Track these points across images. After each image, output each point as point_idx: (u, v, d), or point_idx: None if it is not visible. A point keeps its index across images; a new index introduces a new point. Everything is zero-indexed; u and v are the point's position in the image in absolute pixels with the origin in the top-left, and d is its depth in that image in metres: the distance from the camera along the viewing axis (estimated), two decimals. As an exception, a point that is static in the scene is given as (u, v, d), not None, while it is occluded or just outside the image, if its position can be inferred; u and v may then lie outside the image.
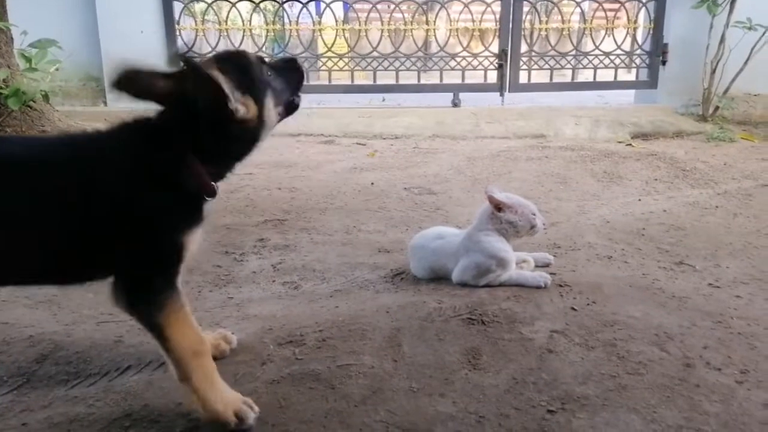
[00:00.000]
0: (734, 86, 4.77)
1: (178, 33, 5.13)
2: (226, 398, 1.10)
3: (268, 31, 5.34)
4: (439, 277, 1.79)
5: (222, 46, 5.27)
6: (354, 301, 1.67)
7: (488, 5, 5.19)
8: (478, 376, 1.23)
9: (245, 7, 5.23)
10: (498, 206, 1.66)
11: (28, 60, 3.47)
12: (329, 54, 5.26)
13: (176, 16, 5.10)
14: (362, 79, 5.60)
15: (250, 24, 5.25)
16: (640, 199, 3.01)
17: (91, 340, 1.45)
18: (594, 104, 5.59)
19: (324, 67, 5.30)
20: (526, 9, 5.25)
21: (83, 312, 1.68)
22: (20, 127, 3.61)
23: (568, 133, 4.69)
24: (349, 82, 5.44)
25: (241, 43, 5.23)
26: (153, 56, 5.10)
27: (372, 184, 3.24)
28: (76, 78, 5.17)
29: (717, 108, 4.88)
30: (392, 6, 5.23)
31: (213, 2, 5.18)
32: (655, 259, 2.16)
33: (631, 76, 5.65)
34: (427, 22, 5.36)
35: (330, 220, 2.61)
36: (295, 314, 1.58)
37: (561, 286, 1.64)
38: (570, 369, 1.24)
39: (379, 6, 5.20)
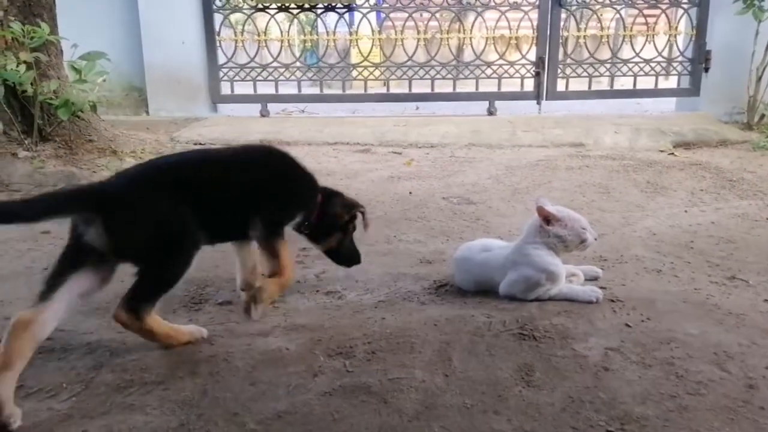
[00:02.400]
0: (780, 93, 4.63)
1: (218, 44, 5.24)
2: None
3: (305, 41, 5.42)
4: (484, 290, 1.78)
5: (260, 57, 5.36)
6: (400, 312, 1.67)
7: (525, 13, 5.16)
8: (532, 394, 1.21)
9: (282, 18, 5.33)
10: (547, 219, 1.64)
11: (78, 71, 3.59)
12: (365, 63, 5.30)
13: (216, 27, 5.21)
14: (397, 87, 5.62)
15: (288, 35, 5.34)
16: (686, 211, 2.93)
17: (146, 348, 1.48)
18: (633, 112, 5.49)
19: (360, 77, 5.34)
20: (563, 16, 5.19)
21: (135, 320, 1.72)
22: (68, 136, 3.74)
23: (608, 141, 4.61)
24: (384, 91, 5.47)
25: (279, 54, 5.31)
26: (193, 66, 5.23)
27: (410, 193, 3.23)
28: (119, 88, 5.33)
29: (763, 116, 4.74)
30: (428, 15, 5.23)
31: (252, 14, 5.28)
32: (705, 273, 2.10)
33: (671, 84, 5.53)
34: (462, 31, 5.35)
35: (370, 230, 2.61)
36: (343, 325, 1.58)
37: (613, 301, 1.61)
38: (627, 388, 1.21)
39: (414, 15, 5.22)
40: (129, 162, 3.88)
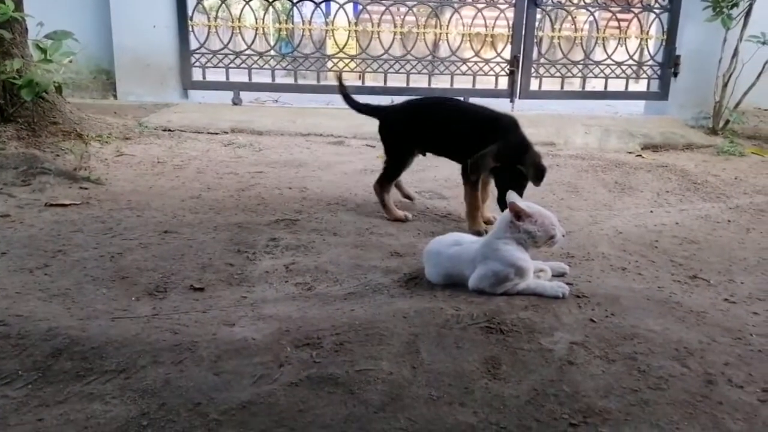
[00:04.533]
0: (745, 100, 4.77)
1: (191, 29, 5.13)
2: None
3: (279, 30, 5.34)
4: (454, 284, 1.78)
5: (233, 44, 5.27)
6: (369, 304, 1.66)
7: (501, 11, 5.19)
8: (498, 386, 1.22)
9: (257, 5, 5.24)
10: (518, 215, 1.65)
11: (43, 51, 3.46)
12: (340, 55, 5.26)
13: (189, 11, 5.10)
14: (372, 81, 5.60)
15: (262, 22, 5.26)
16: (652, 211, 3.00)
17: (107, 336, 1.44)
18: (603, 113, 5.58)
19: (335, 68, 5.29)
20: (539, 16, 5.25)
21: (97, 307, 1.67)
22: (32, 117, 3.61)
23: (578, 141, 4.68)
24: (359, 84, 5.44)
25: (253, 41, 5.23)
26: (165, 51, 5.11)
27: (383, 186, 3.22)
28: (87, 70, 5.17)
29: (728, 122, 4.88)
30: (405, 9, 5.22)
31: (226, 0, 5.18)
32: (669, 272, 2.15)
33: (641, 87, 5.65)
34: (439, 26, 5.35)
35: (342, 222, 2.61)
36: (311, 316, 1.57)
37: (579, 297, 1.63)
38: (591, 382, 1.23)
39: (391, 8, 5.20)
40: (94, 146, 3.78)
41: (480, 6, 5.18)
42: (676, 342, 1.40)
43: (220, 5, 5.22)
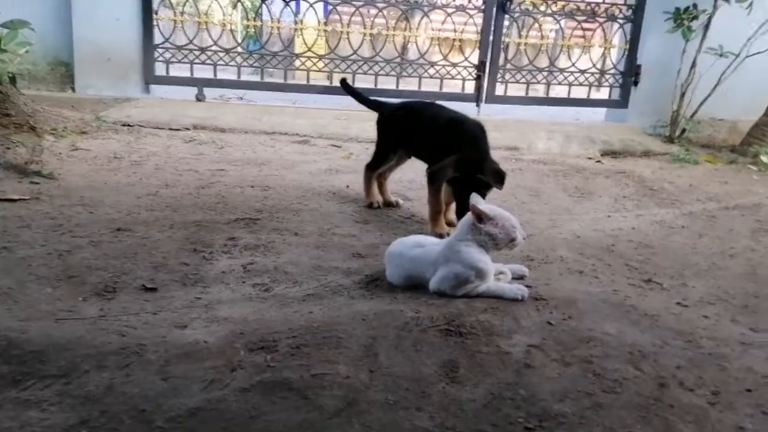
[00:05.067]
0: (700, 110, 4.92)
1: (155, 23, 4.99)
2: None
3: (247, 27, 5.25)
4: (415, 285, 1.77)
5: (199, 40, 5.16)
6: (328, 306, 1.63)
7: (471, 16, 5.23)
8: (455, 390, 1.20)
9: (226, 2, 5.15)
10: (480, 217, 1.64)
11: (-4, 40, 3.31)
12: (309, 54, 5.21)
13: (155, 5, 4.96)
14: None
15: (229, 19, 5.16)
16: (609, 216, 3.05)
17: (49, 338, 1.37)
18: (565, 120, 5.68)
19: (303, 67, 5.24)
20: (506, 23, 5.30)
21: (40, 307, 1.59)
22: (-19, 108, 3.45)
23: (541, 146, 4.75)
24: (327, 84, 5.40)
25: (219, 38, 5.13)
26: (127, 44, 4.96)
27: (347, 186, 3.20)
28: (44, 62, 4.98)
29: (684, 130, 5.02)
30: (375, 10, 5.21)
31: (193, -7, 5.06)
32: (624, 276, 2.18)
33: (602, 95, 5.77)
34: (408, 29, 5.36)
35: (304, 222, 2.56)
36: (267, 318, 1.53)
37: (537, 299, 1.64)
38: (547, 385, 1.23)
39: (361, 9, 5.18)
40: (48, 140, 3.64)
41: (449, 11, 5.21)
42: (631, 345, 1.42)
43: (187, 0, 5.10)
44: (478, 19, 5.26)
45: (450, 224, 2.62)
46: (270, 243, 2.28)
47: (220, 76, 5.29)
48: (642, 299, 1.86)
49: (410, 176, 3.46)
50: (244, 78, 5.35)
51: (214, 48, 5.10)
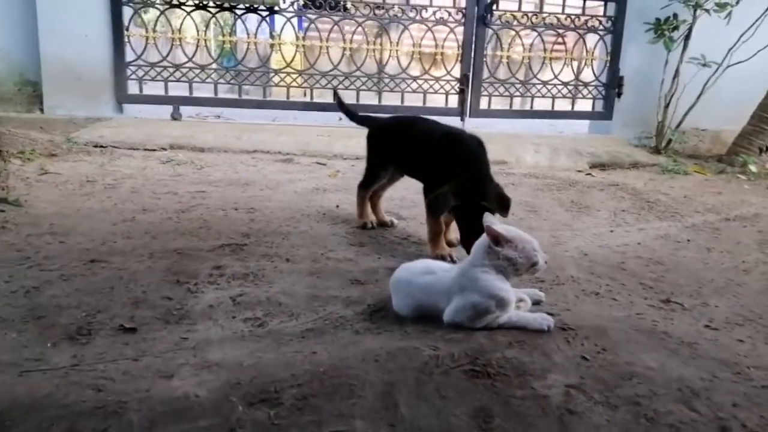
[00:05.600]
0: (684, 120, 4.90)
1: (126, 39, 4.78)
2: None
3: (223, 43, 5.08)
4: (425, 316, 1.60)
5: (172, 57, 4.96)
6: (333, 344, 1.45)
7: (451, 29, 5.14)
8: (493, 445, 1.04)
9: (200, 18, 4.97)
10: (496, 239, 1.49)
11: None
12: (288, 69, 5.05)
13: (126, 21, 4.76)
14: (319, 97, 5.40)
15: (204, 35, 4.98)
16: (612, 231, 2.94)
17: (12, 397, 1.17)
18: (550, 133, 5.62)
19: (282, 83, 5.07)
20: (488, 36, 5.23)
21: (3, 357, 1.38)
22: (-62, 131, 3.20)
23: (529, 160, 4.66)
24: (306, 100, 5.24)
25: (194, 54, 4.94)
26: (98, 62, 4.74)
27: (337, 206, 3.03)
28: (10, 81, 4.73)
29: (670, 141, 5.00)
30: (354, 25, 5.09)
31: (165, 9, 4.87)
32: (641, 296, 2.06)
33: (584, 107, 5.73)
34: (389, 43, 5.25)
35: (295, 246, 2.39)
36: (266, 363, 1.34)
37: (564, 329, 1.49)
38: (597, 434, 1.07)
39: (341, 24, 5.06)
40: (15, 164, 3.40)
41: (429, 24, 5.12)
42: (677, 380, 1.28)
43: (159, 15, 4.91)
44: (459, 32, 5.18)
45: (450, 245, 2.47)
46: (260, 271, 2.10)
47: (196, 93, 5.10)
48: (670, 323, 1.72)
49: (400, 193, 3.32)
50: (221, 95, 5.16)
51: (188, 65, 4.91)
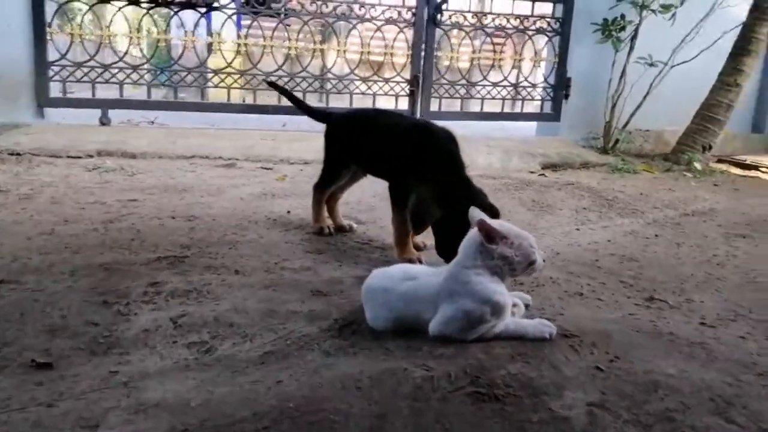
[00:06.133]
0: (630, 121, 4.94)
1: (49, 37, 4.32)
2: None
3: (157, 41, 4.69)
4: (406, 329, 1.38)
5: (101, 56, 4.54)
6: (300, 370, 1.20)
7: (401, 29, 4.98)
8: (517, 489, 0.83)
9: (132, 13, 4.57)
10: (490, 236, 1.29)
11: None
12: (228, 70, 4.73)
13: (48, 17, 4.30)
14: (261, 100, 5.09)
15: (136, 32, 4.58)
16: (578, 229, 2.83)
17: None
18: (499, 135, 5.55)
19: (222, 84, 4.74)
20: (438, 37, 5.11)
21: None
22: None
23: (482, 161, 4.54)
24: (249, 102, 4.93)
25: (126, 53, 4.54)
26: (14, 62, 4.26)
27: (288, 212, 2.77)
28: None
29: (617, 141, 5.02)
30: (299, 24, 4.84)
31: (93, 5, 4.44)
32: (624, 295, 1.93)
33: (533, 108, 5.70)
34: (337, 44, 5.03)
35: (244, 256, 2.11)
36: (220, 399, 1.08)
37: (567, 336, 1.30)
38: (636, 464, 0.88)
39: (285, 23, 4.80)
40: None
41: (378, 23, 4.94)
42: (705, 389, 1.11)
43: (87, 11, 4.47)
44: (409, 33, 5.03)
45: (417, 248, 2.27)
46: (204, 286, 1.82)
47: (128, 96, 4.69)
48: (666, 323, 1.58)
49: (357, 196, 3.09)
50: (155, 98, 4.77)
51: (119, 65, 4.50)
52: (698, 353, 1.30)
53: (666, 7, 4.59)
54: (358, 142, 2.37)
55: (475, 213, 1.35)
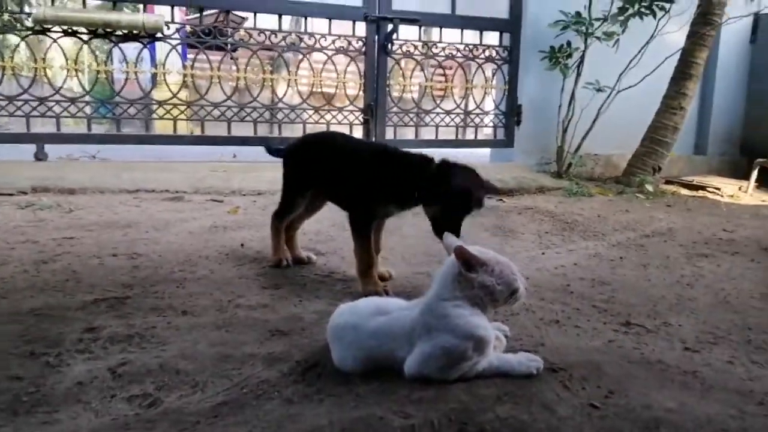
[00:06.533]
0: (582, 145, 5.02)
1: (-24, 70, 4.04)
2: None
3: (98, 72, 4.46)
4: (379, 369, 1.24)
5: (38, 90, 4.27)
6: (259, 423, 1.04)
7: (352, 59, 4.94)
8: None
9: (70, 45, 4.34)
10: (469, 263, 1.18)
11: None
12: (174, 101, 4.54)
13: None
14: (210, 131, 4.91)
15: (74, 64, 4.34)
16: (543, 253, 2.77)
17: None
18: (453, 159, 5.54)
19: (168, 116, 4.54)
20: (390, 66, 5.09)
21: None
22: None
23: (441, 188, 4.49)
24: (197, 133, 4.74)
25: (63, 84, 4.29)
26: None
27: (242, 245, 2.60)
28: None
29: (570, 165, 5.08)
30: (248, 53, 4.71)
31: (26, 36, 4.19)
32: (601, 321, 1.85)
33: (485, 135, 5.73)
34: (288, 73, 4.93)
35: (193, 295, 1.93)
36: (164, 466, 0.91)
37: (554, 370, 1.19)
38: None
39: (234, 53, 4.67)
40: None
41: (329, 53, 4.88)
42: (709, 423, 1.02)
43: (20, 42, 4.21)
44: (361, 62, 5.00)
45: (382, 278, 2.14)
46: (148, 330, 1.63)
47: (65, 130, 4.41)
48: (651, 350, 1.50)
49: (314, 227, 2.95)
50: (95, 131, 4.51)
51: (56, 98, 4.25)
52: (692, 383, 1.22)
53: (609, 35, 4.73)
54: (319, 165, 2.25)
55: (451, 240, 1.24)
